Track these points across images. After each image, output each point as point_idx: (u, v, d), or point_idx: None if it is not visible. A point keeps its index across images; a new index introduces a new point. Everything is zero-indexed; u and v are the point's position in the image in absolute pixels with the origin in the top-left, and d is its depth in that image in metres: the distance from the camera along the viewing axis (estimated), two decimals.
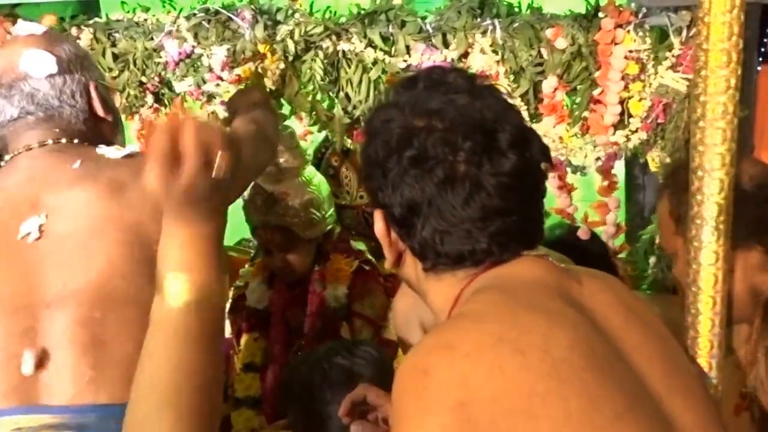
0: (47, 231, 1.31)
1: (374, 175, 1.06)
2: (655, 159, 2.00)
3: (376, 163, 1.05)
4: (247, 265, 2.51)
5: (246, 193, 2.23)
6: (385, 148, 1.03)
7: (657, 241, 2.06)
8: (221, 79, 2.15)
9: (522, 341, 0.89)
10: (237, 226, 2.41)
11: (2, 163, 1.45)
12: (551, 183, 2.11)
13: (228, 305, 2.34)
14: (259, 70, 2.08)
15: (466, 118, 1.00)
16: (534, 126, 2.01)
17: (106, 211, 1.33)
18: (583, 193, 2.23)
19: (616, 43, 1.92)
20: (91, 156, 1.42)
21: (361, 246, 2.43)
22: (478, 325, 0.93)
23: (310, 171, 2.35)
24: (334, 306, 2.26)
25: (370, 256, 2.39)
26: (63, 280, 1.28)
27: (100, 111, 1.51)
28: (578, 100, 2.03)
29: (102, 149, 1.45)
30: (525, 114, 2.02)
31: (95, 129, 1.50)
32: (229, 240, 2.64)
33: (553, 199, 2.16)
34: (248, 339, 2.33)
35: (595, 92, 1.98)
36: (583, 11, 1.97)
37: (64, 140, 1.44)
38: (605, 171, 2.10)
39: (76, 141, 1.45)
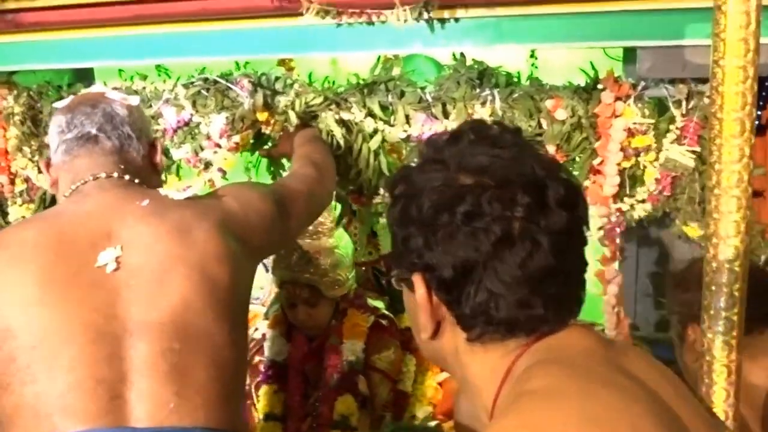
0: (123, 263, 1.36)
1: (417, 235, 0.96)
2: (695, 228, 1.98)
3: (420, 222, 0.95)
4: (261, 318, 2.53)
5: None
6: (433, 205, 0.94)
7: None
8: (219, 146, 2.14)
9: (606, 418, 0.82)
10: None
11: (72, 187, 1.49)
12: None
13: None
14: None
15: (517, 173, 0.93)
16: None
17: (174, 249, 1.39)
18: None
19: (616, 116, 1.92)
20: (157, 196, 1.49)
21: (378, 304, 2.45)
22: (557, 404, 0.84)
23: (338, 232, 2.40)
24: (351, 360, 2.29)
25: (387, 312, 2.42)
26: (142, 312, 1.34)
27: (157, 159, 1.61)
28: (578, 171, 2.02)
29: (164, 191, 1.53)
30: None
31: (148, 174, 1.58)
32: None
33: None
34: (267, 390, 2.35)
35: (595, 162, 1.97)
36: (583, 83, 1.98)
37: (127, 177, 1.51)
38: (609, 240, 2.07)
39: (137, 181, 1.52)
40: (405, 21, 1.82)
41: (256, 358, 2.42)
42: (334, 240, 2.34)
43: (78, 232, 1.38)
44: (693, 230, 1.98)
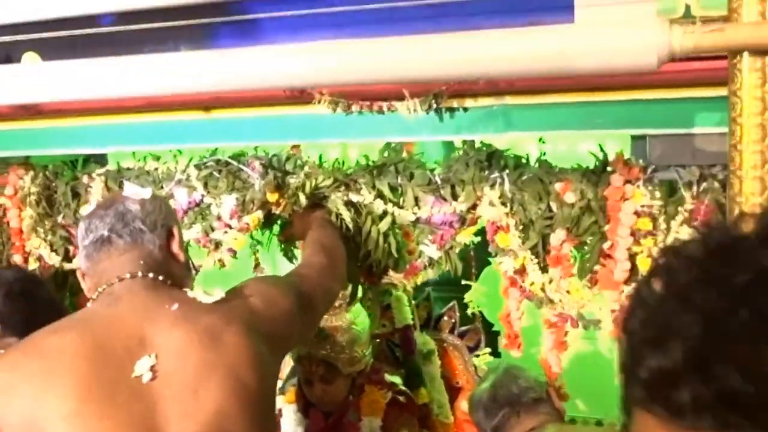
0: (157, 371, 1.38)
1: None
2: None
3: None
4: (277, 393, 2.49)
5: None
6: None
7: None
8: (229, 227, 2.15)
9: None
10: None
11: (99, 290, 1.51)
12: (547, 337, 2.06)
13: None
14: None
15: None
16: (542, 278, 2.00)
17: (206, 355, 1.41)
18: None
19: (625, 199, 1.91)
20: (186, 299, 1.50)
21: (395, 379, 2.44)
22: None
23: (355, 308, 2.40)
24: None
25: (404, 388, 2.41)
26: (180, 423, 1.35)
27: (175, 248, 1.60)
28: (587, 255, 2.01)
29: (192, 293, 1.53)
30: (535, 267, 2.01)
31: (168, 264, 1.58)
32: None
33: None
34: None
35: (605, 246, 1.97)
36: (592, 166, 1.98)
37: (151, 275, 1.52)
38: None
39: (161, 278, 1.53)
40: (414, 111, 1.83)
41: None
42: (351, 316, 2.35)
43: (112, 339, 1.40)
44: None
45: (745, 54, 1.44)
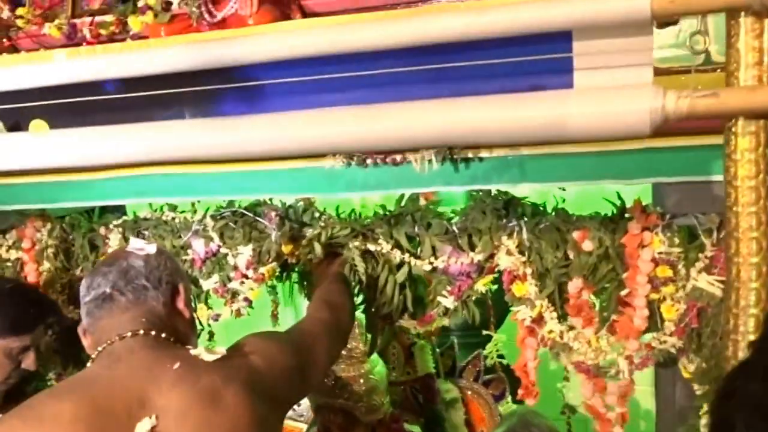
0: None
1: None
2: (687, 366, 1.95)
3: None
4: None
5: None
6: None
7: None
8: (246, 277, 2.15)
9: None
10: None
11: (98, 349, 1.49)
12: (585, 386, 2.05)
13: None
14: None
15: None
16: (561, 327, 1.98)
17: (206, 415, 1.39)
18: None
19: (643, 246, 1.90)
20: (187, 358, 1.47)
21: (414, 429, 2.43)
22: None
23: (373, 358, 2.40)
24: None
25: None
26: None
27: (180, 305, 1.59)
28: (605, 302, 1.99)
29: (194, 351, 1.50)
30: (553, 315, 1.99)
31: (172, 321, 1.56)
32: None
33: None
34: None
35: (623, 293, 1.95)
36: (609, 213, 1.96)
37: (153, 332, 1.50)
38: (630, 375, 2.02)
39: (164, 335, 1.51)
40: (429, 163, 1.83)
41: None
42: (369, 365, 2.35)
43: (112, 402, 1.37)
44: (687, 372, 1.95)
45: (740, 118, 1.45)
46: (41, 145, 1.48)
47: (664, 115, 1.40)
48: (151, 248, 1.59)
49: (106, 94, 1.47)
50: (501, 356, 2.36)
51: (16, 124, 1.52)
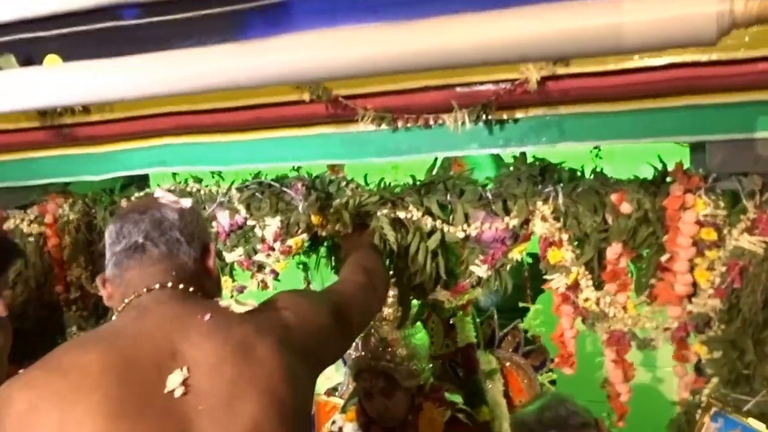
0: (190, 386, 1.29)
1: None
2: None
3: None
4: (338, 412, 2.50)
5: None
6: None
7: None
8: (273, 249, 2.10)
9: None
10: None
11: (125, 301, 1.42)
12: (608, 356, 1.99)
13: None
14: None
15: None
16: (597, 294, 1.92)
17: (239, 370, 1.33)
18: None
19: (685, 209, 1.83)
20: (218, 310, 1.41)
21: (455, 398, 2.40)
22: None
23: (417, 325, 2.37)
24: None
25: (465, 407, 2.36)
26: None
27: (210, 263, 1.51)
28: (644, 269, 1.92)
29: (224, 303, 1.44)
30: (589, 282, 1.93)
31: (202, 280, 1.49)
32: (319, 388, 2.69)
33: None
34: None
35: (663, 258, 1.88)
36: (650, 176, 1.90)
37: (182, 286, 1.43)
38: (677, 342, 1.95)
39: (191, 289, 1.44)
40: (463, 124, 1.77)
41: None
42: (411, 330, 2.32)
43: (141, 354, 1.30)
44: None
45: None
46: (56, 78, 1.39)
47: (732, 19, 1.28)
48: (186, 202, 1.53)
49: (124, 20, 1.37)
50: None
51: (29, 59, 1.43)
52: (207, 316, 1.36)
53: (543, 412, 1.94)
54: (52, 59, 1.44)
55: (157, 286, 1.41)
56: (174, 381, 1.28)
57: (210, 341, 1.34)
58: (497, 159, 2.58)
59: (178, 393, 1.27)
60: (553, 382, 2.48)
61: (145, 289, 1.41)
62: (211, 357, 1.32)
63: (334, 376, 2.64)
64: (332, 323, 1.58)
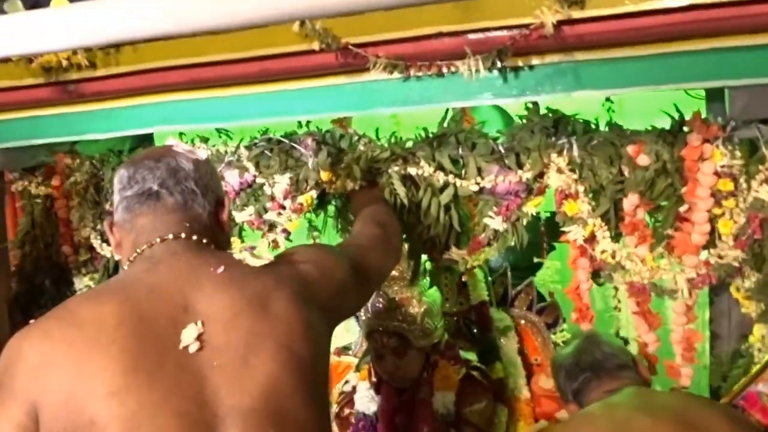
0: (205, 341, 1.26)
1: None
2: (742, 285, 1.86)
3: None
4: (352, 371, 2.48)
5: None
6: None
7: None
8: (283, 207, 2.06)
9: None
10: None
11: (137, 251, 1.38)
12: (630, 308, 1.96)
13: (335, 409, 2.40)
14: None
15: None
16: (614, 246, 1.89)
17: (256, 324, 1.30)
18: None
19: (704, 159, 1.79)
20: (233, 262, 1.38)
21: (470, 356, 2.36)
22: None
23: (424, 282, 2.31)
24: (442, 413, 2.21)
25: (479, 364, 2.33)
26: (231, 396, 1.24)
27: (224, 217, 1.48)
28: (662, 218, 1.89)
29: (239, 255, 1.41)
30: (606, 234, 1.90)
31: (215, 233, 1.45)
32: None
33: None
34: None
35: (682, 209, 1.84)
36: (667, 126, 1.86)
37: (195, 237, 1.39)
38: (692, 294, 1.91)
39: (205, 241, 1.40)
40: (477, 71, 1.73)
41: (346, 411, 2.37)
42: (422, 287, 2.27)
43: (156, 307, 1.27)
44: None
45: None
46: (64, 19, 1.36)
47: None
48: (202, 153, 1.49)
49: None
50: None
51: (36, 2, 1.40)
52: (221, 269, 1.33)
53: (580, 355, 1.92)
54: (59, 1, 1.41)
55: (170, 236, 1.37)
56: (189, 336, 1.25)
57: (224, 294, 1.31)
58: (506, 116, 2.54)
59: (193, 348, 1.24)
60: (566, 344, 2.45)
61: (158, 239, 1.37)
62: (227, 311, 1.29)
63: (344, 336, 2.59)
64: (351, 276, 1.54)
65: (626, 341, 2.08)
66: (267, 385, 1.26)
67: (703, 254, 1.86)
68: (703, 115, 1.84)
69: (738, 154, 1.78)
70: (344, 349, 2.58)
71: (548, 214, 2.08)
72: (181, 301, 1.28)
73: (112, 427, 1.16)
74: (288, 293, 1.34)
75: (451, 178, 1.96)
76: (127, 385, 1.18)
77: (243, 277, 1.34)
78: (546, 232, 2.09)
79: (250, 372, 1.25)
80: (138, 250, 1.37)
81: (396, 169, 1.98)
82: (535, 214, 1.98)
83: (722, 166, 1.78)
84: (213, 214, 1.45)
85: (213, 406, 1.22)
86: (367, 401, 2.31)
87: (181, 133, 2.19)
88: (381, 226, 1.78)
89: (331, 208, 2.16)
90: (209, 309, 1.28)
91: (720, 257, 1.83)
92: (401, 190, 1.97)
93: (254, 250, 2.10)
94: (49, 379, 1.19)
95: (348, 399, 2.38)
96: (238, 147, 2.12)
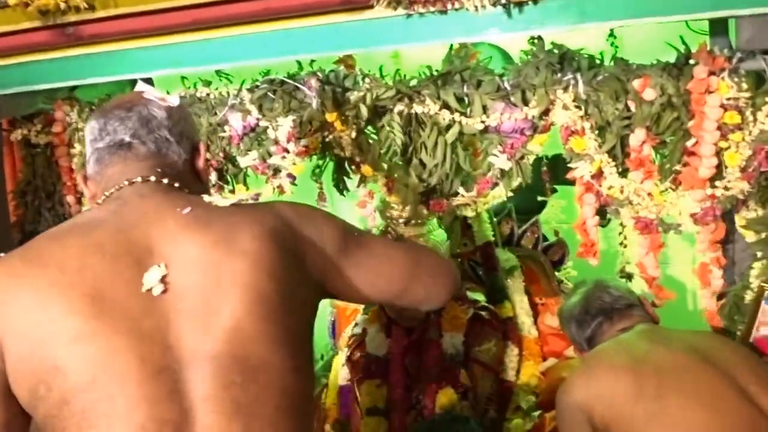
0: (169, 283, 1.22)
1: None
2: (746, 215, 1.87)
3: None
4: (360, 313, 2.50)
5: None
6: None
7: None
8: (287, 151, 2.04)
9: None
10: None
11: (106, 194, 1.34)
12: (641, 244, 1.97)
13: (347, 353, 2.43)
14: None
15: None
16: (621, 182, 1.89)
17: (222, 265, 1.25)
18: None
19: (710, 92, 1.78)
20: (200, 203, 1.33)
21: (477, 296, 2.38)
22: None
23: (432, 222, 2.31)
24: (451, 353, 2.25)
25: (486, 304, 2.36)
26: (195, 341, 1.20)
27: (200, 164, 1.44)
28: (668, 152, 1.89)
29: (208, 198, 1.37)
30: (613, 170, 1.89)
31: (190, 179, 1.42)
32: None
33: None
34: (370, 385, 2.32)
35: (689, 143, 1.84)
36: (672, 59, 1.84)
37: (166, 180, 1.35)
38: (704, 225, 1.92)
39: (177, 185, 1.36)
40: (482, 6, 1.70)
41: (357, 354, 2.40)
42: (429, 227, 2.27)
43: (120, 249, 1.23)
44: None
45: None
46: None
47: None
48: (174, 100, 1.44)
49: None
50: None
51: None
52: (186, 209, 1.29)
53: (588, 302, 1.94)
54: None
55: (139, 179, 1.33)
56: (152, 278, 1.21)
57: (189, 234, 1.26)
58: (506, 57, 2.51)
59: (156, 291, 1.21)
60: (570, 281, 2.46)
61: (126, 182, 1.33)
62: (190, 252, 1.25)
63: None
64: (339, 240, 1.43)
65: (630, 276, 2.09)
66: (231, 329, 1.22)
67: (708, 191, 1.87)
68: (709, 48, 1.83)
69: (744, 86, 1.77)
70: None
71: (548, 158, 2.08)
72: (145, 243, 1.25)
73: (74, 373, 1.15)
74: (257, 231, 1.29)
75: (456, 116, 1.95)
76: (90, 331, 1.16)
77: (209, 217, 1.29)
78: (549, 174, 2.10)
79: (215, 315, 1.22)
80: (106, 193, 1.34)
81: (400, 108, 1.97)
82: (537, 156, 1.98)
83: (728, 99, 1.77)
84: (189, 161, 1.42)
85: (177, 350, 1.19)
86: (376, 344, 2.34)
87: (182, 78, 2.16)
88: (415, 255, 1.58)
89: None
90: (173, 251, 1.25)
91: (726, 189, 1.84)
92: (399, 137, 1.96)
93: (259, 197, 2.11)
94: (14, 316, 1.18)
95: (358, 342, 2.40)
96: (240, 89, 2.09)
